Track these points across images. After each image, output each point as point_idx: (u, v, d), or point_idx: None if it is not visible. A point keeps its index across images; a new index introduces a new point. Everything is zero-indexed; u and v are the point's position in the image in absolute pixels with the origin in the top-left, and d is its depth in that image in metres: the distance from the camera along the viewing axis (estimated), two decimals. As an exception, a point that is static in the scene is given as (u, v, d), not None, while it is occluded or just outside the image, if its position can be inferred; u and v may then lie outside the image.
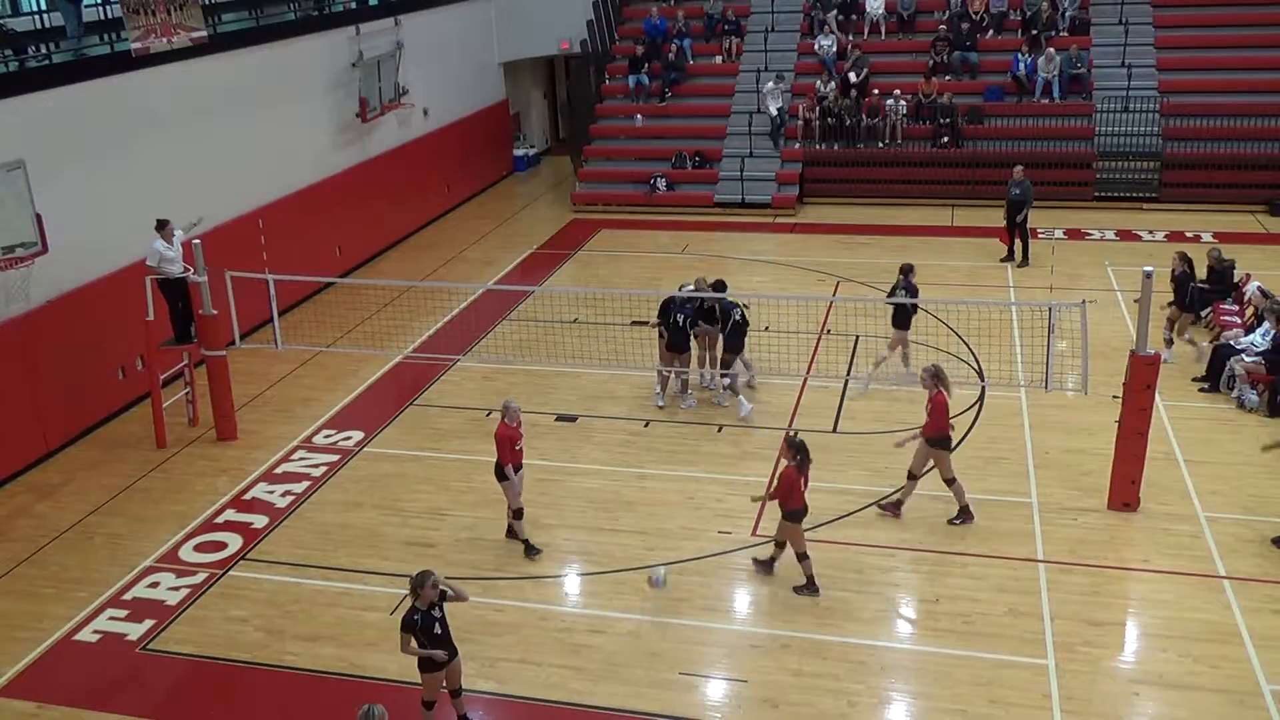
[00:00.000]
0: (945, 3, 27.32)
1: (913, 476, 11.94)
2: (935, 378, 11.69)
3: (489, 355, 17.03)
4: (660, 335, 14.80)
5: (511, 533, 11.85)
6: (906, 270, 15.00)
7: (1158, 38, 25.57)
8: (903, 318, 14.91)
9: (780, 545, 10.98)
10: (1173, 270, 15.72)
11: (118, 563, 11.93)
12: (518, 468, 11.50)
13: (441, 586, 8.65)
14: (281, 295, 15.75)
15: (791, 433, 10.68)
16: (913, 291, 14.91)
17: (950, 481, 11.81)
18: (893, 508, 12.12)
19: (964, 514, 11.92)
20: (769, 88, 25.32)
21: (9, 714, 9.74)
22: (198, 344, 14.55)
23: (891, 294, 15.02)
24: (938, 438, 11.66)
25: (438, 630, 8.69)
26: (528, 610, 10.80)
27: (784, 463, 10.80)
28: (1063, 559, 11.25)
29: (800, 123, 25.20)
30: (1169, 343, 15.65)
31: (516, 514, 11.67)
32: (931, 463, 11.77)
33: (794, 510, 10.51)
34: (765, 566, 11.15)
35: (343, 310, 18.70)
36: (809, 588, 10.75)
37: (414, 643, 8.63)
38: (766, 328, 16.86)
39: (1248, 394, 14.30)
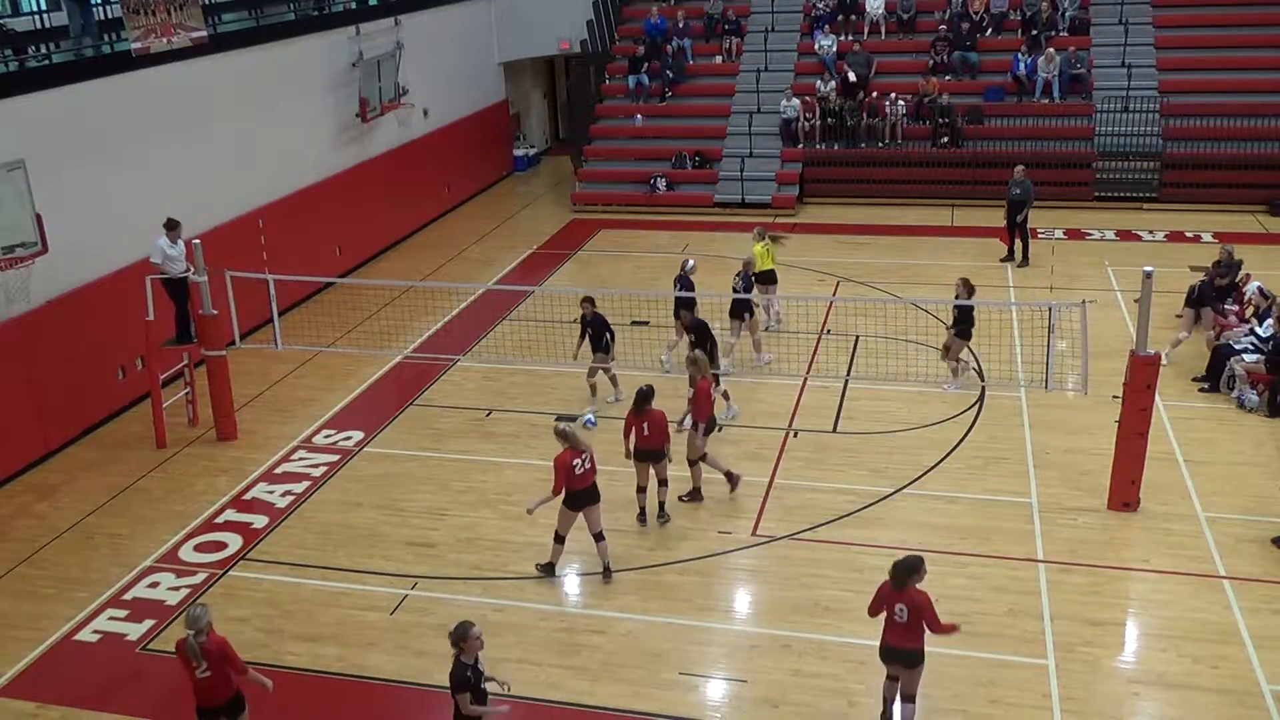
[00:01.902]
0: (945, 3, 27.33)
1: (694, 463, 12.50)
2: (694, 364, 12.33)
3: (489, 355, 17.03)
4: (584, 337, 14.70)
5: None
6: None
7: (1158, 38, 25.56)
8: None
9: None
10: (956, 296, 14.70)
11: (118, 563, 11.94)
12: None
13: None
14: (281, 295, 15.76)
15: (560, 425, 11.16)
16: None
17: (693, 464, 12.44)
18: (693, 495, 12.59)
19: (694, 495, 12.59)
20: (785, 105, 25.44)
21: (9, 714, 9.74)
22: (198, 344, 14.55)
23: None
24: (698, 422, 12.19)
25: (483, 686, 8.06)
26: (528, 610, 10.80)
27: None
28: (1063, 559, 11.25)
29: (801, 123, 25.19)
30: (955, 372, 15.08)
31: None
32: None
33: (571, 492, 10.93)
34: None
35: (343, 310, 18.70)
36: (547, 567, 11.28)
37: (472, 701, 7.93)
38: (766, 328, 16.88)
39: (1248, 394, 14.30)
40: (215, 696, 8.25)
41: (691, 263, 15.95)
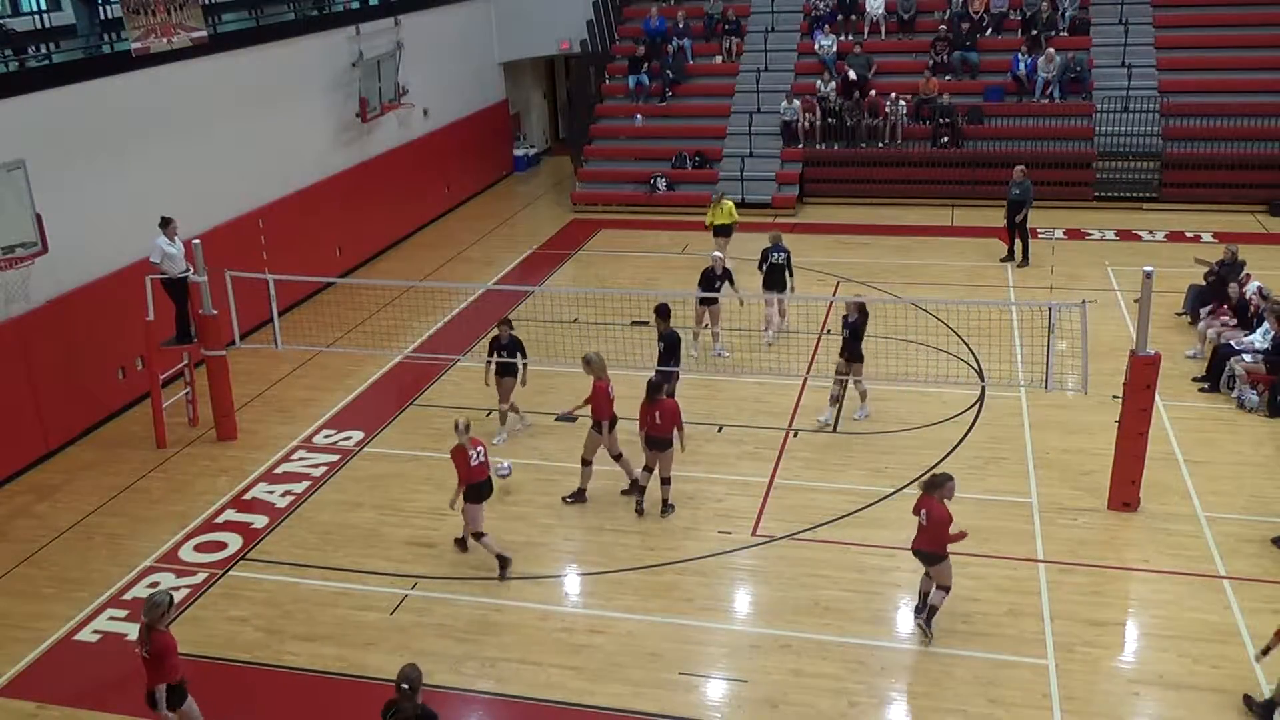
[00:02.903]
0: (945, 3, 27.33)
1: (586, 462, 12.65)
2: (587, 363, 12.43)
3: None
4: (491, 361, 14.16)
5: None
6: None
7: (1158, 38, 25.57)
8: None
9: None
10: (845, 317, 14.02)
11: (118, 563, 11.94)
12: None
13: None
14: (281, 295, 15.73)
15: (458, 420, 11.32)
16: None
17: (618, 457, 12.65)
18: (576, 496, 12.66)
19: (578, 496, 12.67)
20: (785, 106, 25.49)
21: (9, 714, 9.74)
22: (198, 344, 14.55)
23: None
24: (598, 421, 12.38)
25: None
26: (528, 610, 10.80)
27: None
28: (1063, 559, 11.25)
29: (801, 123, 25.20)
30: (836, 400, 14.29)
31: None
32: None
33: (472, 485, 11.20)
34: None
35: (343, 310, 18.69)
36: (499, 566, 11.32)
37: None
38: (766, 328, 16.89)
39: (1248, 394, 14.30)
40: (151, 680, 8.46)
41: (719, 253, 16.44)
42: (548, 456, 13.76)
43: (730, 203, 19.89)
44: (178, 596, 11.21)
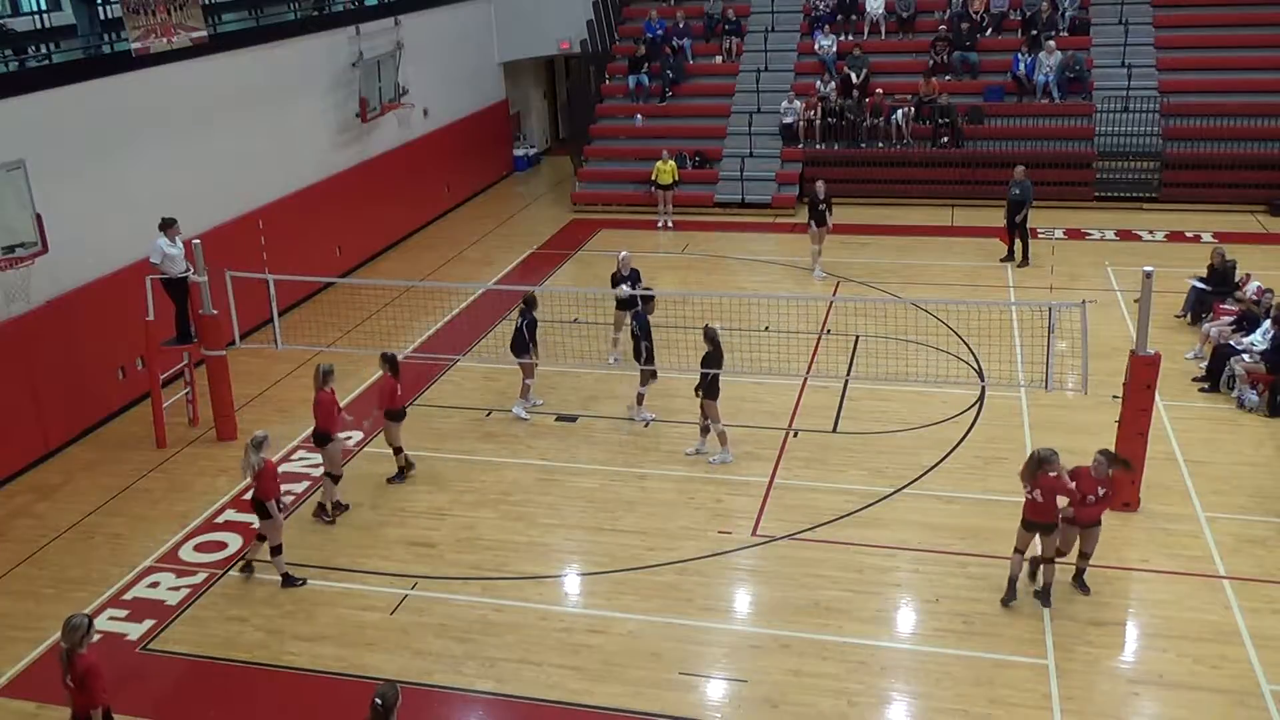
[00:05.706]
0: (945, 3, 27.34)
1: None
2: (317, 370, 12.64)
3: (489, 355, 17.02)
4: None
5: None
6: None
7: (1158, 38, 25.56)
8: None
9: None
10: (706, 354, 13.06)
11: (118, 563, 11.94)
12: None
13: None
14: (281, 295, 15.74)
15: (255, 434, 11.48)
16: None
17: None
18: (336, 508, 12.75)
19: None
20: (785, 106, 25.52)
21: (9, 714, 9.74)
22: (198, 344, 14.55)
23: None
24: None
25: None
26: (528, 610, 10.80)
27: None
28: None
29: (801, 123, 25.21)
30: (704, 431, 13.47)
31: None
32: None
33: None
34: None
35: (343, 310, 18.69)
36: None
37: None
38: (766, 328, 16.89)
39: (1248, 394, 14.30)
40: (78, 709, 8.22)
41: (626, 253, 16.48)
42: (547, 456, 13.76)
43: (673, 163, 23.69)
44: (177, 596, 11.26)
